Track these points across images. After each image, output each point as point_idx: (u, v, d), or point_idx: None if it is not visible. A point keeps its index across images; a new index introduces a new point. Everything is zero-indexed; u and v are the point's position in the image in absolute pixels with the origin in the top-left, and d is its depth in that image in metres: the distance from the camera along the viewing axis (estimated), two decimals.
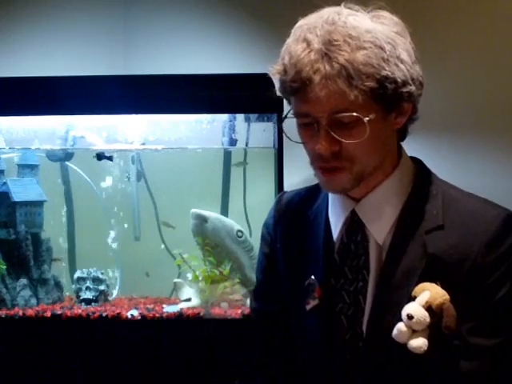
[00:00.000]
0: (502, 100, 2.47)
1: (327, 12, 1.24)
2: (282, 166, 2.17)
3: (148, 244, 2.56)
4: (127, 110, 2.26)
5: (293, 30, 1.26)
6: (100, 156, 2.35)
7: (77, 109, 2.21)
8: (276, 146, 2.18)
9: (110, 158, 2.36)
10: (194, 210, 2.35)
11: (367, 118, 1.20)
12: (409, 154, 1.38)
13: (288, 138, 1.33)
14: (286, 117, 1.29)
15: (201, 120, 2.39)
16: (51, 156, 2.46)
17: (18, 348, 2.14)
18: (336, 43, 1.18)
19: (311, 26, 1.22)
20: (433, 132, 2.50)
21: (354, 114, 1.19)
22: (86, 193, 2.51)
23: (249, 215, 2.48)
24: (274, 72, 1.26)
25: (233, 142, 2.39)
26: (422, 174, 1.34)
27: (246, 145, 2.39)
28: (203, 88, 2.21)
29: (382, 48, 1.19)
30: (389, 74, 1.19)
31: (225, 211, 2.53)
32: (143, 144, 2.42)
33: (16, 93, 2.21)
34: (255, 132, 2.23)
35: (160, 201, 2.57)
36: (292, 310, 1.40)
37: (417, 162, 1.38)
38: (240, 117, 2.35)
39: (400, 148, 1.35)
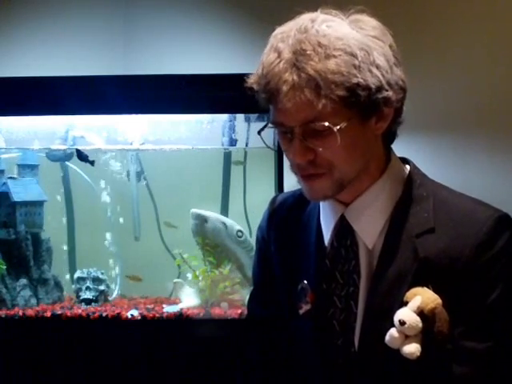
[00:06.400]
0: (503, 100, 2.47)
1: (302, 19, 1.23)
2: (281, 166, 2.17)
3: (148, 244, 2.56)
4: (127, 110, 2.26)
5: (270, 39, 1.25)
6: (81, 156, 2.33)
7: (77, 109, 2.21)
8: (276, 146, 2.18)
9: (92, 163, 2.35)
10: (194, 210, 2.35)
11: (338, 127, 1.19)
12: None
13: (267, 146, 1.36)
14: (265, 126, 1.30)
15: (201, 120, 2.39)
16: (51, 156, 2.46)
17: (18, 348, 2.14)
18: (306, 53, 1.18)
19: (285, 34, 1.22)
20: (433, 132, 2.50)
21: (325, 123, 1.18)
22: (86, 192, 2.51)
23: (249, 215, 2.48)
24: (252, 82, 1.26)
25: (233, 142, 2.39)
26: (412, 176, 1.32)
27: (246, 145, 2.39)
28: (203, 88, 2.21)
29: (353, 55, 1.18)
30: (361, 81, 1.17)
31: (225, 211, 2.53)
32: (143, 144, 2.42)
33: (16, 93, 2.21)
34: (255, 132, 2.23)
35: (160, 201, 2.57)
36: (286, 313, 1.39)
37: (407, 163, 1.36)
38: (240, 117, 2.35)
39: (389, 151, 1.33)
